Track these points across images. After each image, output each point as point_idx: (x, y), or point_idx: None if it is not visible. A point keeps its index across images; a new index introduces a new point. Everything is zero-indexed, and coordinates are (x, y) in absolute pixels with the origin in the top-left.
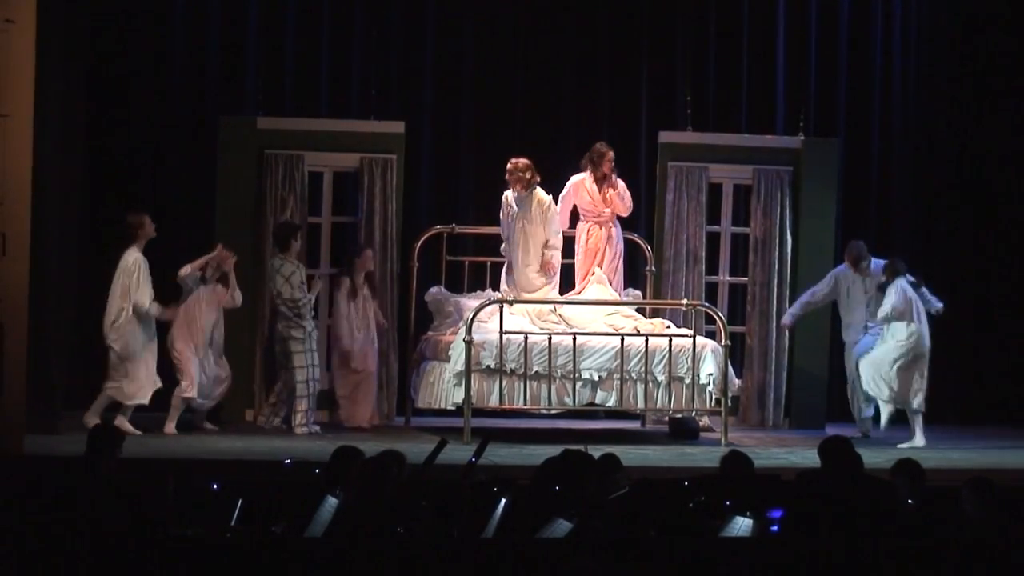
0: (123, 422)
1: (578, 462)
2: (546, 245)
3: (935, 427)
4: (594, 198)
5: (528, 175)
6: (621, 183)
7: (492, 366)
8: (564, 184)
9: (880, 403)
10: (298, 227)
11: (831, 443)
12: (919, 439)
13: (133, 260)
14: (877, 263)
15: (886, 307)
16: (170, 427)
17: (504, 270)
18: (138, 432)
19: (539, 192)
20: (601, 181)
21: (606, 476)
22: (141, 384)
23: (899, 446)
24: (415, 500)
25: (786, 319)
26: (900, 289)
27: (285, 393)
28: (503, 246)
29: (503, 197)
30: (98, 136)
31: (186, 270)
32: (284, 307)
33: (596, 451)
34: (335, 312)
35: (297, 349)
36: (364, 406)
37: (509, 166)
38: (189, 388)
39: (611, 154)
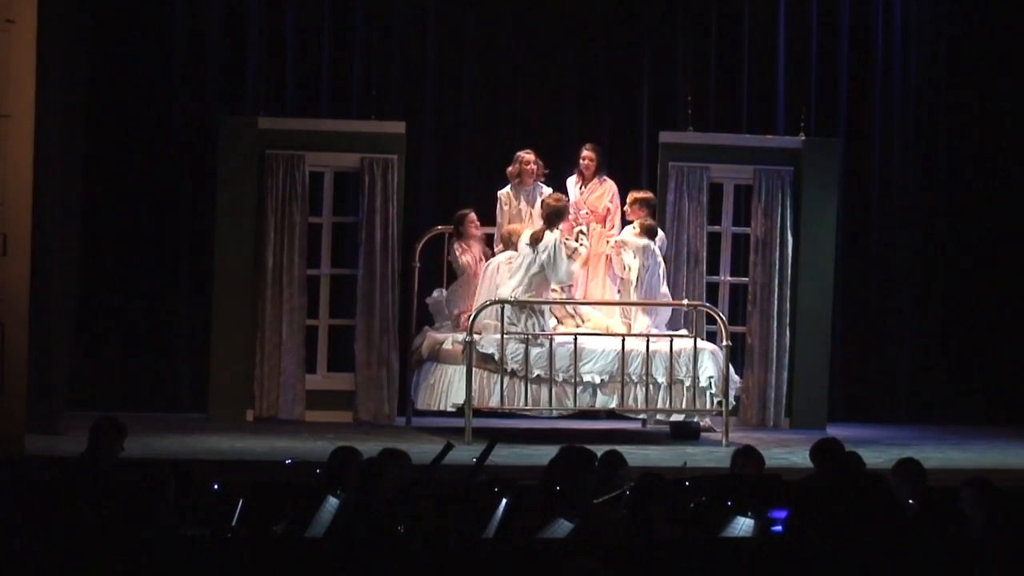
0: None
1: (580, 459)
2: None
3: (935, 427)
4: (576, 200)
5: (540, 167)
6: (608, 186)
7: (495, 356)
8: (564, 183)
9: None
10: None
11: (822, 446)
12: None
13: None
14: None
15: None
16: None
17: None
18: None
19: (543, 187)
20: (582, 182)
21: (609, 473)
22: None
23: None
24: (415, 500)
25: None
26: None
27: None
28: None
29: (502, 194)
30: (98, 136)
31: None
32: None
33: (599, 450)
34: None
35: None
36: None
37: (527, 157)
38: None
39: (586, 153)
